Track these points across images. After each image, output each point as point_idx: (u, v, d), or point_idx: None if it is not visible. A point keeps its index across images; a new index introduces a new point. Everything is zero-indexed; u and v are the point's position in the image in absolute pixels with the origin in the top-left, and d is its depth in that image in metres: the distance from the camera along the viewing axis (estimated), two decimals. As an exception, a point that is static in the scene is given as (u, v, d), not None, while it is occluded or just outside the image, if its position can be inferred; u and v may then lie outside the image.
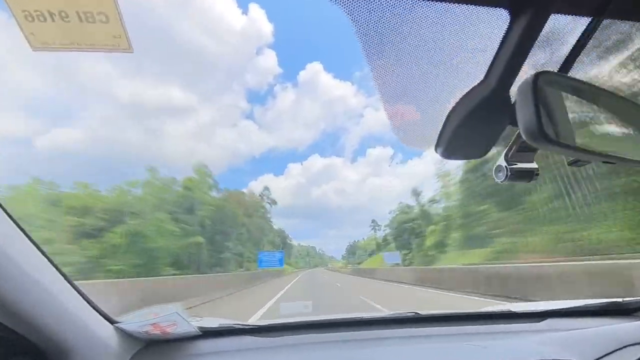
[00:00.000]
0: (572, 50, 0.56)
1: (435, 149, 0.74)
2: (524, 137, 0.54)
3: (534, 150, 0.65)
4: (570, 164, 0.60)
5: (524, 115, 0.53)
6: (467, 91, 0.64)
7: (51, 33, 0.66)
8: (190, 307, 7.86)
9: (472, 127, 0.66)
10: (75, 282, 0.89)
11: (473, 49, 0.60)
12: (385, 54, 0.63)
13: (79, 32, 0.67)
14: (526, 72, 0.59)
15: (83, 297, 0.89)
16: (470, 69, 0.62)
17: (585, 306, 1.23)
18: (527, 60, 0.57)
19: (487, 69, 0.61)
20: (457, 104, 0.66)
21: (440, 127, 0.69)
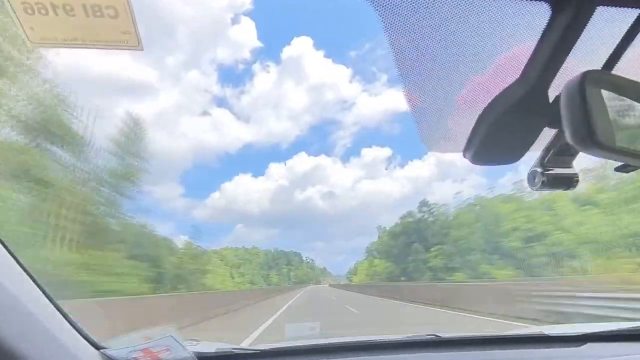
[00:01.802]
0: (617, 46, 0.53)
1: (464, 154, 0.69)
2: (571, 141, 0.50)
3: (574, 154, 0.61)
4: (619, 169, 0.56)
5: (571, 117, 0.49)
6: (501, 90, 0.60)
7: (53, 28, 0.61)
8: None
9: (506, 129, 0.63)
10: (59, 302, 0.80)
11: (509, 45, 0.57)
12: (412, 48, 0.59)
13: (83, 27, 0.61)
14: (567, 70, 0.56)
15: (67, 319, 0.80)
16: (506, 66, 0.59)
17: (630, 329, 1.12)
18: (567, 59, 0.54)
19: (524, 66, 0.58)
20: (490, 103, 0.62)
21: (470, 129, 0.65)
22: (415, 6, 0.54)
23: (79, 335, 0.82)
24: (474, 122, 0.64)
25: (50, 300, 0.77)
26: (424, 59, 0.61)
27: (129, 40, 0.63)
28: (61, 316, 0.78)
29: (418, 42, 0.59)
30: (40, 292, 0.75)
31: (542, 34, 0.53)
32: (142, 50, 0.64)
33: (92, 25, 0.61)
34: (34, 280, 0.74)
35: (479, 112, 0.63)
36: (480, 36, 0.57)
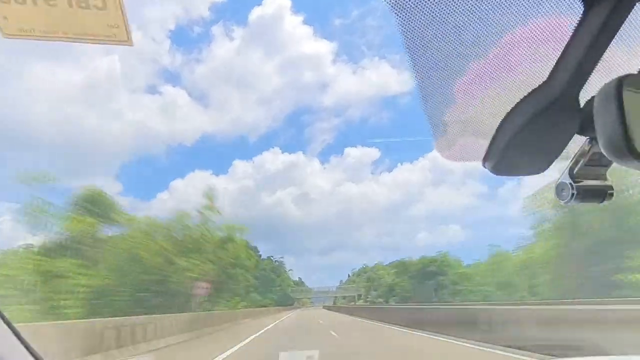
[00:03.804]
0: None
1: (484, 163, 0.64)
2: (604, 151, 0.46)
3: (607, 165, 0.56)
4: None
5: (605, 126, 0.45)
6: (527, 93, 0.55)
7: (31, 18, 0.55)
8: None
9: (531, 136, 0.57)
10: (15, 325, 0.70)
11: (536, 45, 0.53)
12: (429, 46, 0.54)
13: (66, 19, 0.55)
14: (601, 73, 0.51)
15: (22, 343, 0.71)
16: (531, 68, 0.54)
17: None
18: (600, 61, 0.50)
19: (551, 68, 0.53)
20: (514, 108, 0.57)
21: (491, 136, 0.60)
22: (433, 1, 0.49)
23: (33, 358, 0.73)
24: (495, 128, 0.59)
25: (2, 317, 0.68)
26: (441, 60, 0.57)
27: (117, 34, 0.57)
28: (14, 337, 0.70)
29: (434, 41, 0.54)
30: None
31: (574, 32, 0.49)
32: (132, 45, 0.58)
33: (76, 17, 0.55)
34: None
35: (501, 117, 0.58)
36: (504, 34, 0.53)
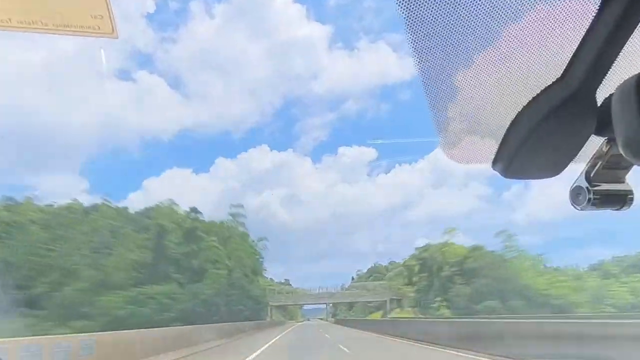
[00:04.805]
0: None
1: (493, 165, 0.60)
2: (623, 152, 0.43)
3: (627, 167, 0.53)
4: None
5: (624, 125, 0.42)
6: (539, 91, 0.52)
7: (6, 9, 0.51)
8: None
9: (545, 137, 0.54)
10: None
11: (549, 39, 0.49)
12: (433, 34, 0.51)
13: (44, 8, 0.51)
14: (619, 69, 0.48)
15: None
16: (545, 64, 0.51)
17: None
18: (619, 55, 0.47)
19: (566, 64, 0.50)
20: (526, 107, 0.54)
21: (499, 136, 0.57)
22: None
23: None
24: (505, 127, 0.56)
25: None
26: (446, 50, 0.53)
27: (101, 25, 0.53)
28: None
29: (439, 28, 0.51)
30: None
31: (591, 23, 0.46)
32: (117, 38, 0.55)
33: (56, 7, 0.51)
34: None
35: (512, 116, 0.55)
36: (514, 26, 0.49)
